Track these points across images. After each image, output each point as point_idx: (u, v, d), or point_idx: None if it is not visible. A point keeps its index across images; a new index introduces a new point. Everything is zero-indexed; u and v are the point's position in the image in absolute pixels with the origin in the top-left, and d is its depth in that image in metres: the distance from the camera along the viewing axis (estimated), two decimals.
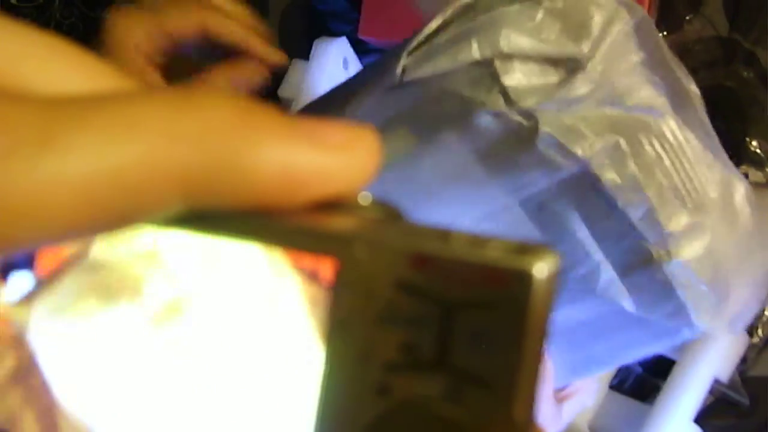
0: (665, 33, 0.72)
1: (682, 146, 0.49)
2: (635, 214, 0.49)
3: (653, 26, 0.49)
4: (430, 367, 0.15)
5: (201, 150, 0.15)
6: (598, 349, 0.55)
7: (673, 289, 0.50)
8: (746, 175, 0.68)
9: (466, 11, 0.49)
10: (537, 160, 0.49)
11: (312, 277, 0.17)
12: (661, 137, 0.48)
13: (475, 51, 0.48)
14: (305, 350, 0.17)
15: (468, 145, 0.50)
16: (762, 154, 0.68)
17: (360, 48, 0.76)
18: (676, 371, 0.60)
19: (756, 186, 0.67)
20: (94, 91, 0.15)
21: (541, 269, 0.15)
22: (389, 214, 0.17)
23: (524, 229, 0.52)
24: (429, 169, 0.51)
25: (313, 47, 0.77)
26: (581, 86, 0.48)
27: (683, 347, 0.60)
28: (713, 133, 0.52)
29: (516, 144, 0.49)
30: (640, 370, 0.67)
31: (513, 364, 0.15)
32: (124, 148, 0.14)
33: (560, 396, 0.58)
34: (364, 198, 0.17)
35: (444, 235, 0.15)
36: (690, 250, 0.50)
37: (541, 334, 0.15)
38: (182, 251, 0.18)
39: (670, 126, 0.49)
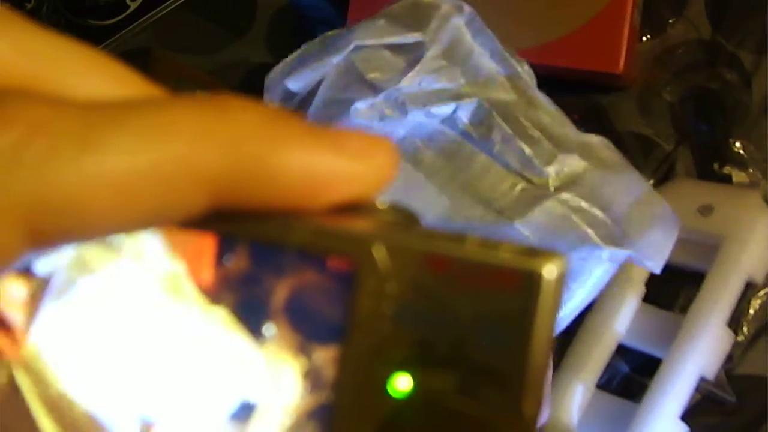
0: (649, 36, 0.73)
1: (539, 118, 0.57)
2: (513, 162, 0.56)
3: (482, 23, 0.59)
4: (443, 364, 0.16)
5: (230, 153, 0.16)
6: None
7: (570, 217, 0.55)
8: (730, 176, 0.69)
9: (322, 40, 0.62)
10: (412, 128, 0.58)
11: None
12: (514, 96, 0.58)
13: (339, 60, 0.58)
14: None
15: None
16: (745, 155, 0.69)
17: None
18: (662, 370, 0.60)
19: (739, 186, 0.68)
20: (128, 97, 0.16)
21: (550, 270, 0.16)
22: (406, 217, 0.18)
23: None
24: None
25: None
26: (430, 64, 0.57)
27: (669, 346, 0.60)
28: (558, 110, 0.60)
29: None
30: (626, 369, 0.67)
31: (523, 360, 0.16)
32: (157, 149, 0.15)
33: None
34: (382, 202, 0.18)
35: (458, 238, 0.16)
36: (572, 183, 0.56)
37: (549, 332, 0.16)
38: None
39: (517, 87, 0.58)
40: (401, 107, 0.57)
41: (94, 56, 0.17)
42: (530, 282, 0.16)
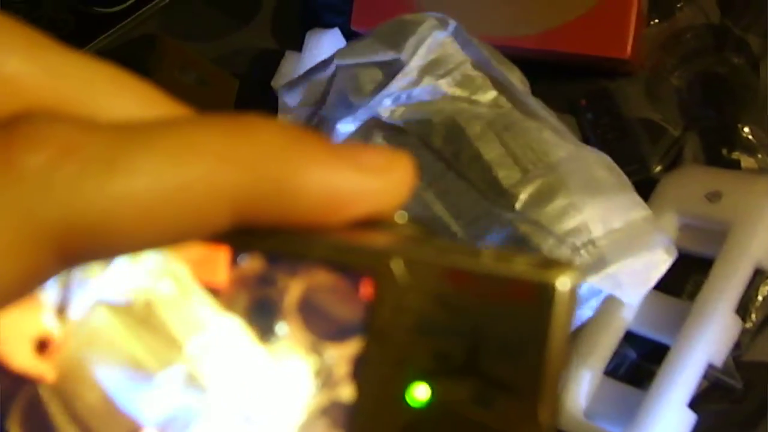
0: (657, 21, 0.72)
1: (514, 122, 0.57)
2: (476, 179, 0.56)
3: (466, 33, 0.59)
4: (461, 374, 0.17)
5: (253, 172, 0.16)
6: None
7: (530, 239, 0.54)
8: (738, 162, 0.69)
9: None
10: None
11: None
12: (502, 108, 0.58)
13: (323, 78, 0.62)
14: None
15: None
16: (754, 140, 0.69)
17: (353, 39, 0.77)
18: (670, 356, 0.60)
19: (748, 172, 0.68)
20: (154, 117, 0.17)
21: (564, 282, 0.16)
22: (423, 231, 0.18)
23: None
24: None
25: (306, 38, 0.77)
26: (403, 81, 0.58)
27: (677, 333, 0.60)
28: (551, 118, 0.59)
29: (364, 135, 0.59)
30: (634, 356, 0.67)
31: (538, 370, 0.16)
32: (183, 169, 0.16)
33: None
34: (401, 216, 0.18)
35: (475, 251, 0.17)
36: (541, 207, 0.55)
37: (563, 342, 0.16)
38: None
39: (508, 97, 0.58)
40: (378, 125, 0.58)
41: (120, 76, 0.18)
42: (544, 294, 0.16)
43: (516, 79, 0.59)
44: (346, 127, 0.57)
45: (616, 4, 0.67)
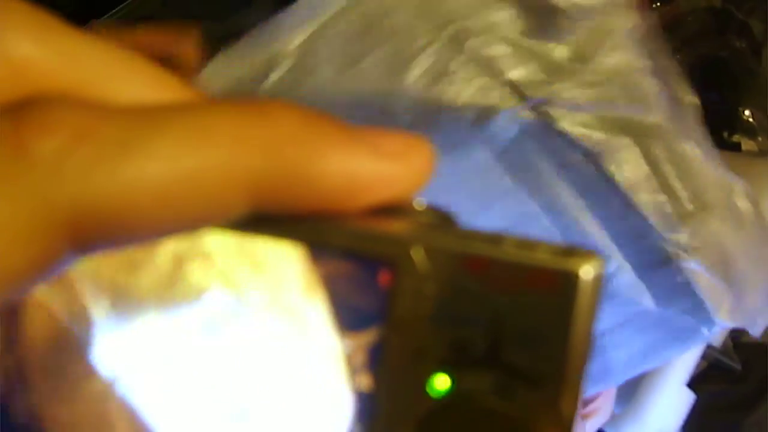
0: (659, 3, 0.72)
1: (684, 151, 0.51)
2: (651, 214, 0.50)
3: (651, 33, 0.52)
4: (481, 364, 0.16)
5: (270, 157, 0.16)
6: (617, 358, 0.55)
7: (690, 286, 0.51)
8: (739, 145, 0.69)
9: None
10: (554, 159, 0.51)
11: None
12: (666, 142, 0.51)
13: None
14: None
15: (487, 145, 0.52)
16: (755, 123, 0.69)
17: None
18: None
19: (749, 155, 0.68)
20: (167, 101, 0.17)
21: (587, 271, 0.16)
22: (443, 218, 0.18)
23: (548, 235, 0.53)
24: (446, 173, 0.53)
25: None
26: (580, 86, 0.50)
27: None
28: (706, 140, 0.54)
29: (530, 141, 0.51)
30: None
31: (560, 361, 0.16)
32: (198, 154, 0.15)
33: (583, 414, 0.59)
34: (419, 203, 0.18)
35: (495, 238, 0.16)
36: (703, 248, 0.51)
37: (587, 333, 0.16)
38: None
39: (670, 130, 0.51)
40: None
41: (133, 60, 0.17)
42: (567, 282, 0.16)
43: (690, 99, 0.55)
44: None
45: None
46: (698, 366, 0.61)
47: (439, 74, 0.52)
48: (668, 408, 0.60)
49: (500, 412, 0.16)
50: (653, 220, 0.50)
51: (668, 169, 0.51)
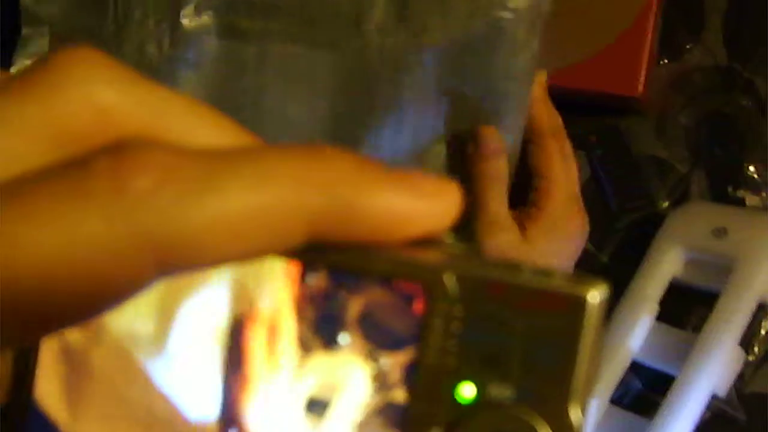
0: (666, 60, 0.75)
1: None
2: None
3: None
4: (503, 375, 0.19)
5: (326, 195, 0.18)
6: None
7: None
8: (743, 200, 0.71)
9: None
10: None
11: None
12: None
13: None
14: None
15: None
16: (759, 179, 0.71)
17: None
18: (675, 387, 0.61)
19: (753, 209, 0.70)
20: (229, 144, 0.19)
21: (594, 296, 0.19)
22: (468, 250, 0.21)
23: None
24: None
25: None
26: None
27: (683, 364, 0.62)
28: None
29: None
30: (639, 385, 0.69)
31: (570, 372, 0.19)
32: (266, 192, 0.18)
33: None
34: (448, 236, 0.21)
35: (515, 266, 0.19)
36: None
37: (593, 348, 0.19)
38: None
39: None
40: None
41: (196, 106, 0.20)
42: (577, 305, 0.19)
43: None
44: None
45: (629, 44, 0.69)
46: (703, 416, 0.62)
47: None
48: None
49: (518, 416, 0.19)
50: None
51: None
